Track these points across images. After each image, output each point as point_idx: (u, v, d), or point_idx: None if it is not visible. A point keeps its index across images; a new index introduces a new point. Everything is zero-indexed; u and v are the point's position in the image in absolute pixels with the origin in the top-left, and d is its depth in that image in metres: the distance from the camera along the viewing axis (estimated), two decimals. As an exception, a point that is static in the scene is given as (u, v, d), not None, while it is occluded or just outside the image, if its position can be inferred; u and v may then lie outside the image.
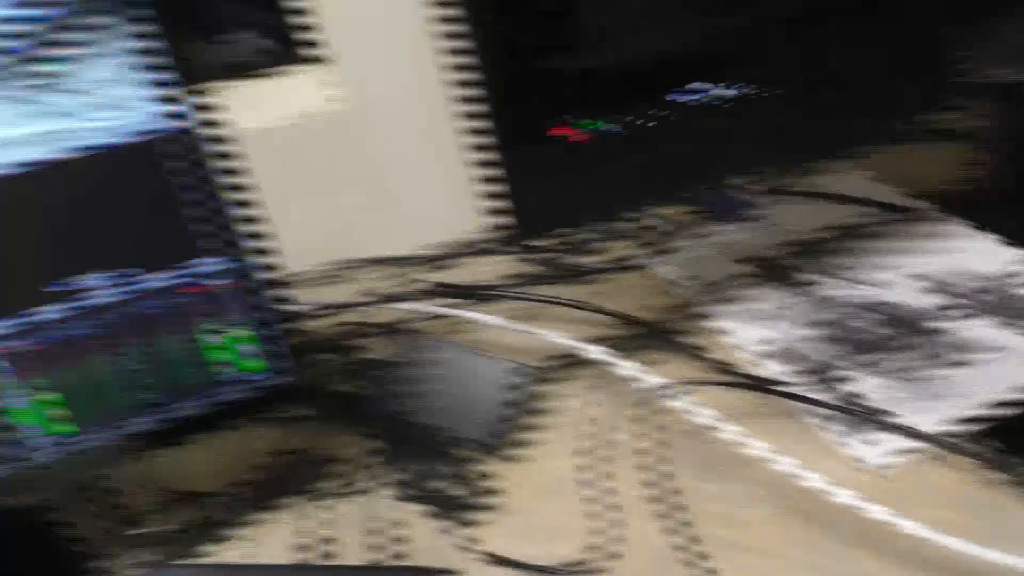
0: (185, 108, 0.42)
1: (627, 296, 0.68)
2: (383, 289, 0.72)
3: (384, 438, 0.58)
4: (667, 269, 0.71)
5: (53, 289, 0.43)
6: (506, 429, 0.56)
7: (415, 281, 0.72)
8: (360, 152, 0.81)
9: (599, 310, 0.65)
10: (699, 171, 0.62)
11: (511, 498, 0.54)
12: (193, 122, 0.42)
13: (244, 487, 0.57)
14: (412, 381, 0.58)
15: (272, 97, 0.75)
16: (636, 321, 0.64)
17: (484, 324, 0.64)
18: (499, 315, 0.65)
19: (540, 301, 0.67)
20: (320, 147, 0.79)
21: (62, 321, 0.44)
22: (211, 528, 0.54)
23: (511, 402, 0.57)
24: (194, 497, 0.57)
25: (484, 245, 0.80)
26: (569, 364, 0.62)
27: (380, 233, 0.82)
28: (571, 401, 0.60)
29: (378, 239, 0.81)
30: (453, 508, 0.53)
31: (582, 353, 0.61)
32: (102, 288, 0.44)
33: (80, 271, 0.43)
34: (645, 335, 0.63)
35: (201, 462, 0.61)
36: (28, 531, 0.56)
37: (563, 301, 0.66)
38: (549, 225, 0.58)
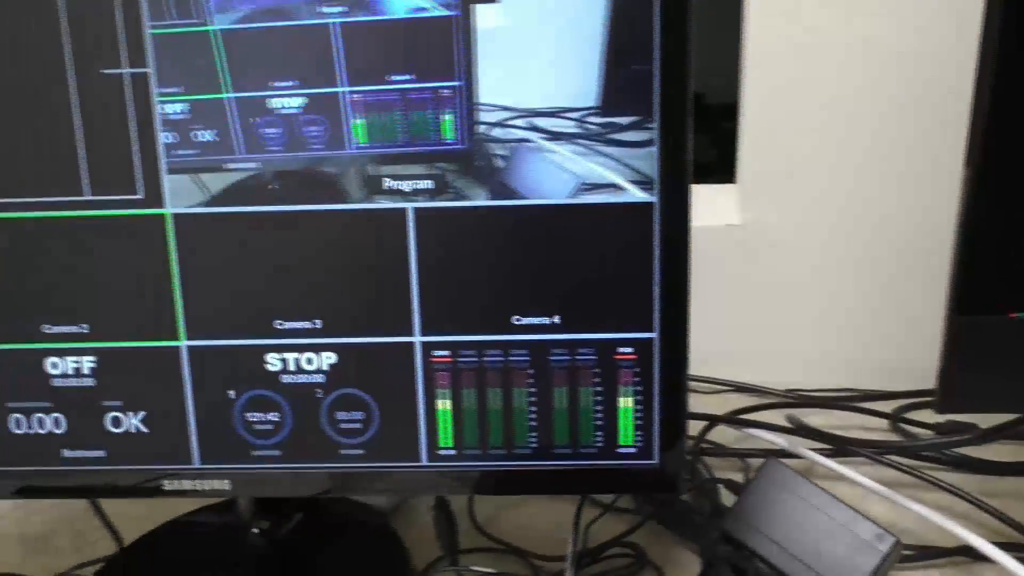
0: (687, 186, 0.45)
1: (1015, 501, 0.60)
2: (751, 415, 0.70)
3: (717, 559, 0.55)
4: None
5: (489, 319, 0.47)
6: (855, 597, 0.51)
7: (789, 417, 0.69)
8: (761, 275, 0.82)
9: (987, 509, 0.57)
10: None
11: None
12: (687, 199, 0.45)
13: (569, 559, 0.57)
14: (761, 511, 0.55)
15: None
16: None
17: (847, 479, 0.60)
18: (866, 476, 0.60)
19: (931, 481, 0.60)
20: (725, 260, 0.81)
21: (482, 346, 0.47)
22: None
23: (864, 569, 0.52)
24: (518, 552, 0.59)
25: (856, 401, 0.76)
26: (938, 554, 0.56)
27: (756, 356, 0.81)
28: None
29: (753, 362, 0.80)
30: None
31: (960, 543, 0.54)
32: (528, 330, 0.47)
33: (518, 309, 0.47)
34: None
35: (532, 519, 0.63)
36: (357, 527, 0.60)
37: (957, 492, 0.59)
38: (964, 403, 0.53)
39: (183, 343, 0.48)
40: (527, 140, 0.45)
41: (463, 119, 0.45)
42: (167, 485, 0.50)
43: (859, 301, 0.82)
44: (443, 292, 0.47)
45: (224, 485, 0.50)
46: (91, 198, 0.47)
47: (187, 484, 0.50)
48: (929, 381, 0.79)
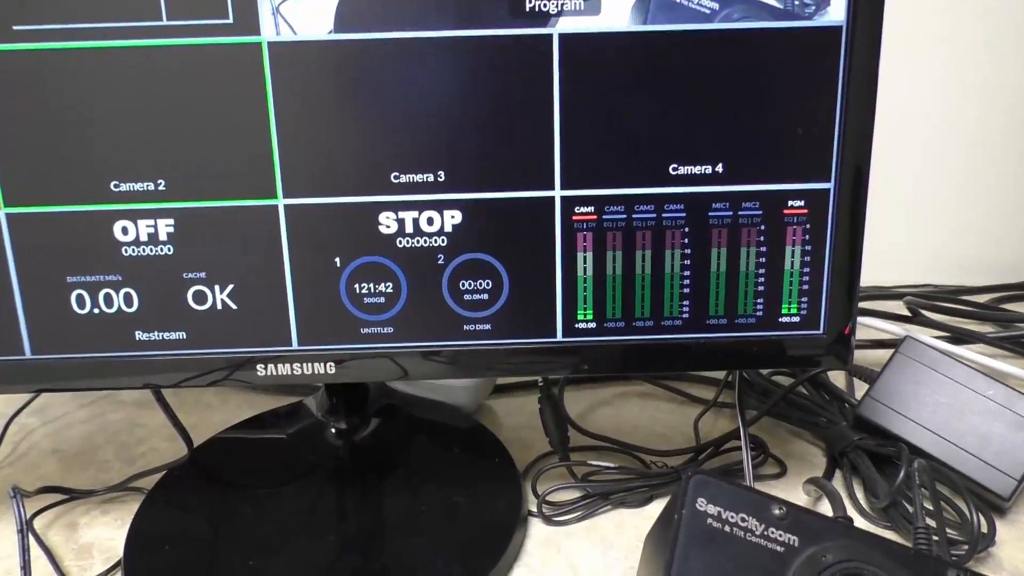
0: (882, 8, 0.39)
1: None
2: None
3: (851, 449, 0.50)
4: None
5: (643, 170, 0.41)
6: (1019, 481, 0.47)
7: (909, 303, 0.65)
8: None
9: None
10: None
11: (1003, 560, 0.45)
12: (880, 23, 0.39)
13: (682, 458, 0.52)
14: (901, 394, 0.51)
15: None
16: None
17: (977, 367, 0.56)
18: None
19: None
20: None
21: (632, 201, 0.41)
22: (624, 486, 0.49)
23: None
24: (625, 448, 0.53)
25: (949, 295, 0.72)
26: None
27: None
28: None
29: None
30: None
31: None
32: (687, 181, 0.41)
33: (677, 156, 0.41)
34: None
35: (627, 417, 0.58)
36: (445, 427, 0.55)
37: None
38: None
39: (280, 201, 0.41)
40: None
41: None
42: (260, 371, 0.43)
43: (941, 193, 0.78)
44: (590, 137, 0.40)
45: (327, 369, 0.43)
46: (170, 23, 0.39)
47: (283, 369, 0.43)
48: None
